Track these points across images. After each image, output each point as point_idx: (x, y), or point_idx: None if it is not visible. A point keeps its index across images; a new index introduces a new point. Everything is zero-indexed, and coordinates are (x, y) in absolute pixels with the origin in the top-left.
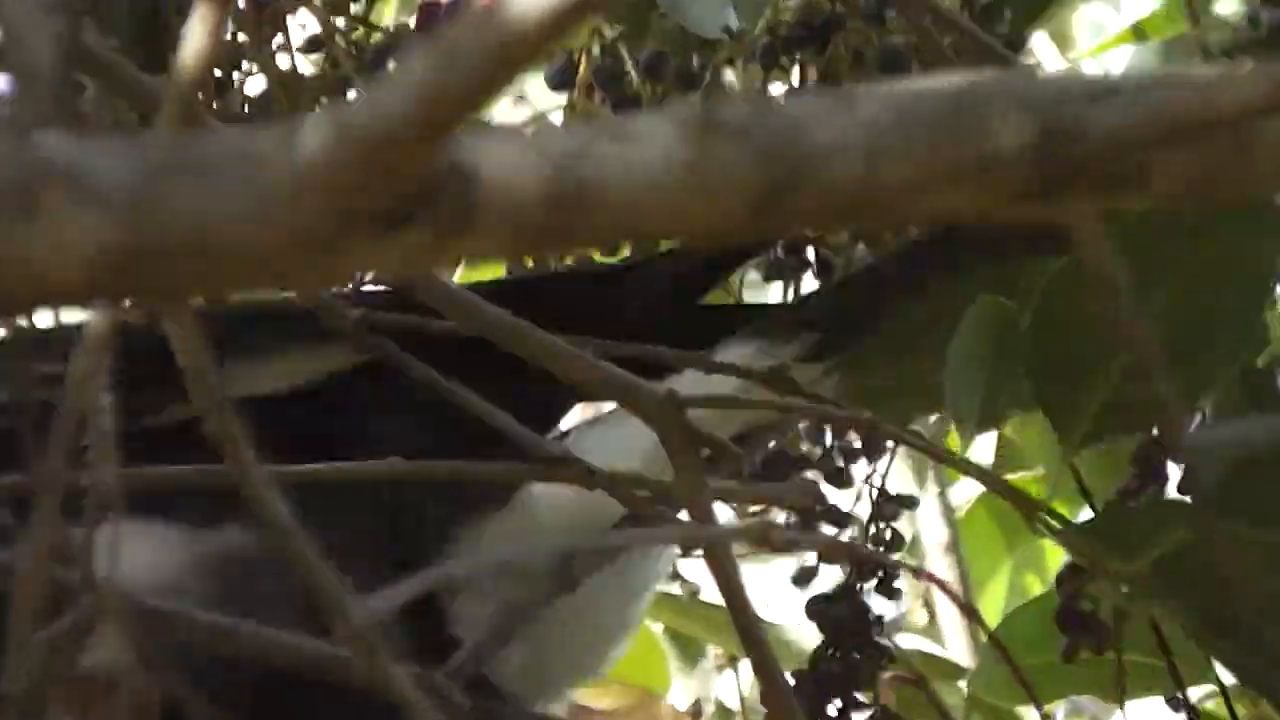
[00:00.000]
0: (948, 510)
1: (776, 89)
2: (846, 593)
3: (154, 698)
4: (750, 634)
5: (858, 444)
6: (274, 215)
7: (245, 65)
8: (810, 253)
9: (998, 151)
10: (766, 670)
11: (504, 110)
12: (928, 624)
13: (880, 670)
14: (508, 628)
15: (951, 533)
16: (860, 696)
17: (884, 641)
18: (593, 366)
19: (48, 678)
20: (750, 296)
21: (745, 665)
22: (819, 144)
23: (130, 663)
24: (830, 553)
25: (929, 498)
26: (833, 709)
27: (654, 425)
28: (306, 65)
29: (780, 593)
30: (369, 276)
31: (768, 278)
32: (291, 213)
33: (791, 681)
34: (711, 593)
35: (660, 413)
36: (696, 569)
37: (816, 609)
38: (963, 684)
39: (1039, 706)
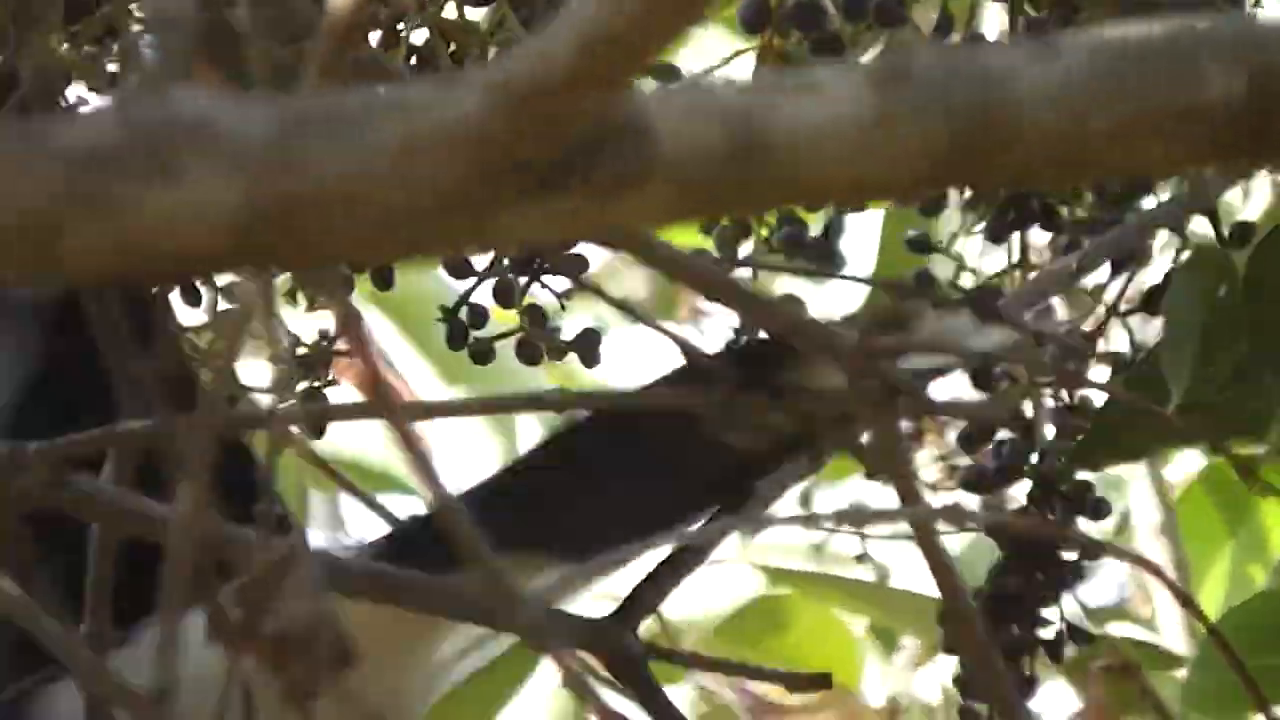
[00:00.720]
0: (1161, 490)
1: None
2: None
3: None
4: (960, 616)
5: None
6: (419, 172)
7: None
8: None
9: (1206, 102)
10: (979, 656)
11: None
12: (1136, 609)
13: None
14: (679, 568)
15: (1166, 514)
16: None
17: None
18: (784, 312)
19: (241, 631)
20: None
21: (946, 657)
22: (1015, 95)
23: (324, 614)
24: (1031, 531)
25: (1140, 476)
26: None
27: (846, 373)
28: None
29: None
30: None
31: (993, 239)
32: (437, 169)
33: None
34: (904, 579)
35: (853, 361)
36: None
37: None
38: (1179, 674)
39: (1266, 710)
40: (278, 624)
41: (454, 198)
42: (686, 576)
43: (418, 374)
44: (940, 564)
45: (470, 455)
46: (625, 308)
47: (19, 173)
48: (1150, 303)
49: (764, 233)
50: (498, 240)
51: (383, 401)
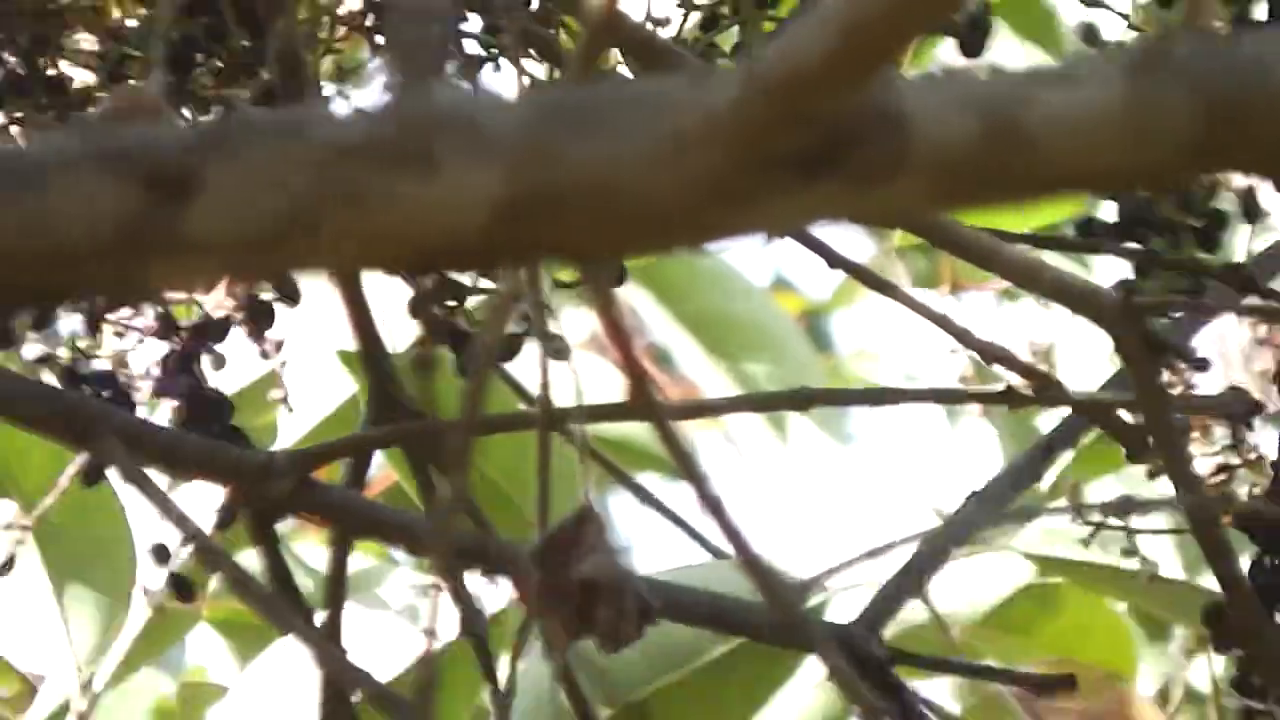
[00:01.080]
0: None
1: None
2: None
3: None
4: (1241, 607)
5: None
6: (677, 163)
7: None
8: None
9: None
10: (1262, 647)
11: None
12: None
13: None
14: (917, 576)
15: None
16: None
17: None
18: (1049, 272)
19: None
20: None
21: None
22: (1272, 83)
23: (621, 570)
24: None
25: None
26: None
27: (1109, 331)
28: None
29: None
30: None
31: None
32: (696, 160)
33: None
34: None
35: (1117, 319)
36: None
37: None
38: None
39: None
40: (585, 574)
41: (713, 188)
42: (933, 578)
43: (681, 347)
44: (1218, 553)
45: (739, 446)
46: (886, 288)
47: (282, 166)
48: None
49: None
50: (757, 229)
51: (647, 401)
